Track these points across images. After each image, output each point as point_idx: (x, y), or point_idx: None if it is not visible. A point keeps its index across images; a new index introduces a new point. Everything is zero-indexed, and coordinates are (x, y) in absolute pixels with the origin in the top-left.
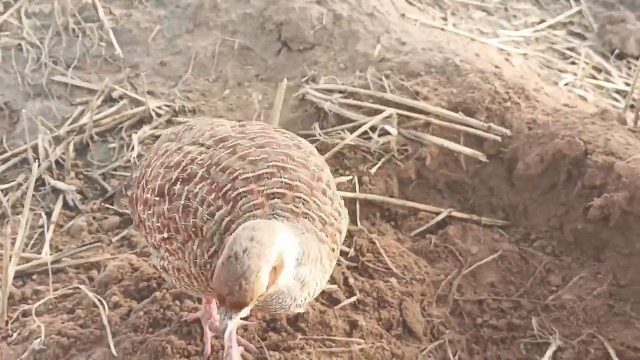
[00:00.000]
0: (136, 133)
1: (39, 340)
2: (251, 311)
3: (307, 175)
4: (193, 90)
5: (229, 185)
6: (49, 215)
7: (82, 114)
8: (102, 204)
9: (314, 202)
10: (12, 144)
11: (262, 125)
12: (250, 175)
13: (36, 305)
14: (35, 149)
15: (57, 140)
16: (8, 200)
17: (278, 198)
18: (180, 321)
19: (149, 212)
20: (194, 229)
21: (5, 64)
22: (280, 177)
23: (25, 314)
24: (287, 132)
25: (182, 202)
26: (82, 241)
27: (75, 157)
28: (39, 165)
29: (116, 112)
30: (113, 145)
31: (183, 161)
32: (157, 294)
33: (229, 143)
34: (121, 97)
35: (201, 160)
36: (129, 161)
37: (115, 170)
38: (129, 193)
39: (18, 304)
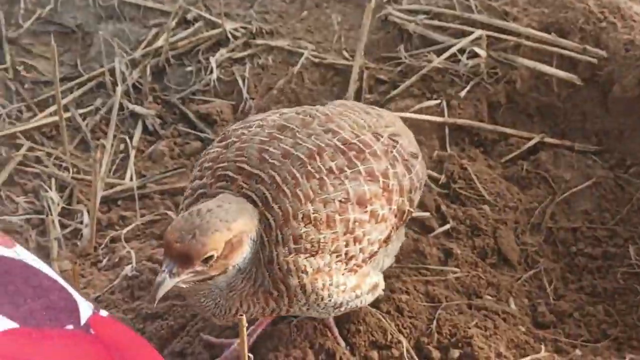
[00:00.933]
0: (213, 56)
1: (129, 266)
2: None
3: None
4: (269, 11)
5: (225, 164)
6: (129, 139)
7: (156, 36)
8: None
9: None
10: (87, 67)
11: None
12: (247, 167)
13: (124, 231)
14: (111, 72)
15: (133, 64)
16: (87, 125)
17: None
18: None
19: None
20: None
21: None
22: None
23: (114, 240)
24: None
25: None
26: (165, 166)
27: (151, 81)
28: (116, 90)
29: (192, 34)
30: (190, 68)
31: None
32: None
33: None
34: (195, 19)
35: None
36: (207, 85)
37: (193, 94)
38: None
39: (105, 229)
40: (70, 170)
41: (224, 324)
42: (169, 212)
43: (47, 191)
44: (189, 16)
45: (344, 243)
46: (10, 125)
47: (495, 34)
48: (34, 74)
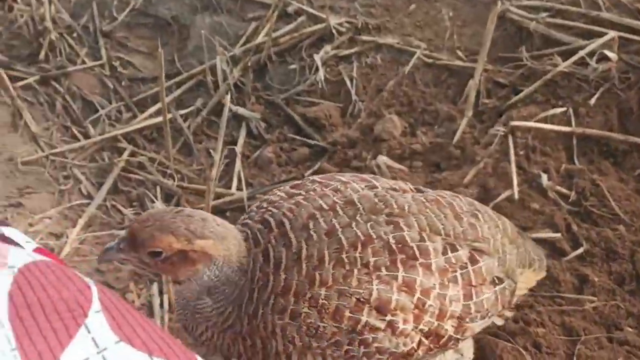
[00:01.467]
0: (317, 53)
1: None
2: None
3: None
4: (375, 4)
5: (276, 211)
6: (231, 143)
7: (256, 30)
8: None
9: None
10: (185, 63)
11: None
12: (287, 226)
13: None
14: (211, 69)
15: (234, 60)
16: (189, 127)
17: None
18: None
19: None
20: None
21: None
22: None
23: None
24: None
25: None
26: (272, 174)
27: (252, 79)
28: (217, 89)
29: (294, 29)
30: (293, 66)
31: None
32: None
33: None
34: (297, 12)
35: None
36: (312, 85)
37: (298, 94)
38: None
39: None
40: (175, 178)
41: (192, 342)
42: None
43: (153, 201)
44: (290, 9)
45: (347, 340)
46: (111, 127)
47: (627, 35)
48: (130, 70)
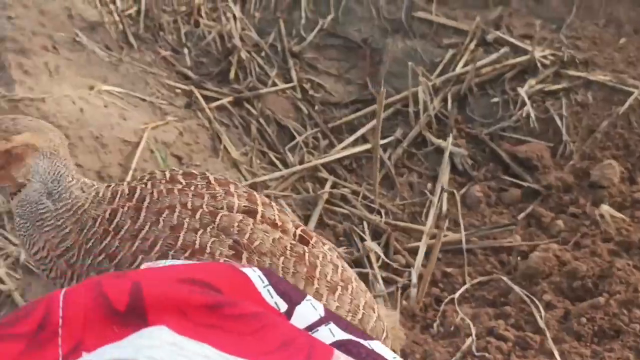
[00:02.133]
0: (520, 86)
1: (470, 339)
2: None
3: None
4: (581, 36)
5: None
6: (433, 178)
7: (453, 58)
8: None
9: None
10: (379, 90)
11: None
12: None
13: (456, 295)
14: (413, 97)
15: (434, 89)
16: (389, 158)
17: None
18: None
19: None
20: None
21: None
22: None
23: (438, 299)
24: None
25: None
26: (481, 214)
27: (453, 111)
28: (417, 118)
29: (496, 60)
30: (495, 99)
31: None
32: (600, 298)
33: None
34: (496, 41)
35: None
36: (518, 121)
37: (503, 130)
38: None
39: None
40: (382, 214)
41: (29, 263)
42: (504, 278)
43: (362, 238)
44: (489, 37)
45: None
46: (310, 156)
47: None
48: (322, 93)
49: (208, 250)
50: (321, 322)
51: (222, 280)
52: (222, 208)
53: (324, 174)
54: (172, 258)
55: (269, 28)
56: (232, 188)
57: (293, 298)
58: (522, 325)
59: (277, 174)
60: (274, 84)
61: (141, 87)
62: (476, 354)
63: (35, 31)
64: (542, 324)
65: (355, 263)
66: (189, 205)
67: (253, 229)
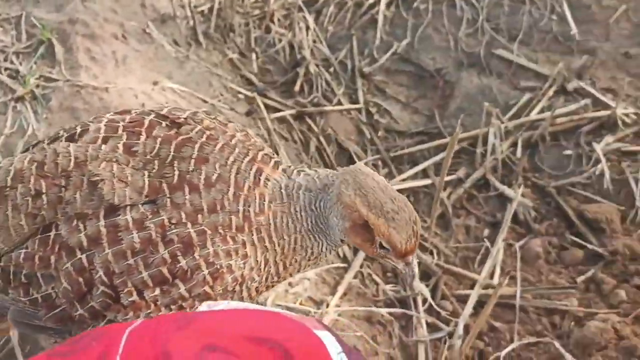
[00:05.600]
0: (597, 142)
1: None
2: None
3: None
4: None
5: None
6: (493, 225)
7: (529, 102)
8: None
9: None
10: (447, 124)
11: None
12: None
13: (502, 353)
14: (482, 137)
15: (506, 132)
16: (449, 196)
17: None
18: None
19: None
20: None
21: (435, 20)
22: None
23: (482, 354)
24: None
25: None
26: (538, 270)
27: (522, 158)
28: (483, 160)
29: (574, 111)
30: (568, 151)
31: None
32: None
33: None
34: (576, 91)
35: None
36: (589, 178)
37: (572, 185)
38: None
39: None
40: (434, 254)
41: None
42: (555, 343)
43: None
44: (570, 86)
45: None
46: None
47: None
48: (387, 119)
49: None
50: None
51: (294, 343)
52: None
53: None
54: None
55: (340, 44)
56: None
57: None
58: None
59: None
60: (339, 103)
61: (204, 88)
62: None
63: (107, 18)
64: None
65: (400, 302)
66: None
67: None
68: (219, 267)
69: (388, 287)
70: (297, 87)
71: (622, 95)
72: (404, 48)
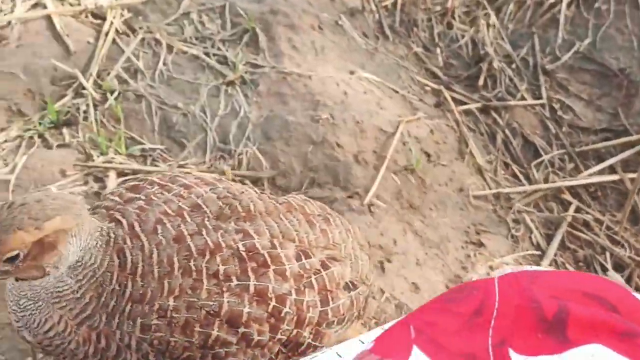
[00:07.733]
0: None
1: None
2: None
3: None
4: None
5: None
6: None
7: None
8: None
9: None
10: (634, 122)
11: None
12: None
13: None
14: None
15: None
16: (638, 193)
17: None
18: None
19: None
20: None
21: (617, 20)
22: None
23: None
24: None
25: None
26: None
27: None
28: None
29: None
30: None
31: None
32: None
33: None
34: None
35: None
36: None
37: None
38: None
39: None
40: (627, 248)
41: (32, 344)
42: None
43: (604, 268)
44: None
45: (199, 355)
46: (554, 176)
47: None
48: (570, 116)
49: (223, 244)
50: None
51: (621, 304)
52: (194, 199)
53: (567, 196)
54: (195, 267)
55: (521, 41)
56: (184, 180)
57: None
58: None
59: (520, 189)
60: (522, 98)
61: (394, 79)
62: None
63: (305, 9)
64: None
65: None
66: (170, 211)
67: (236, 198)
68: None
69: None
70: (481, 82)
71: None
72: (586, 47)
